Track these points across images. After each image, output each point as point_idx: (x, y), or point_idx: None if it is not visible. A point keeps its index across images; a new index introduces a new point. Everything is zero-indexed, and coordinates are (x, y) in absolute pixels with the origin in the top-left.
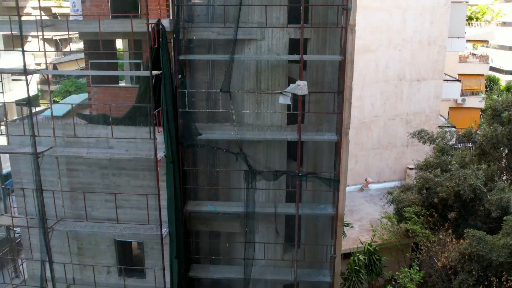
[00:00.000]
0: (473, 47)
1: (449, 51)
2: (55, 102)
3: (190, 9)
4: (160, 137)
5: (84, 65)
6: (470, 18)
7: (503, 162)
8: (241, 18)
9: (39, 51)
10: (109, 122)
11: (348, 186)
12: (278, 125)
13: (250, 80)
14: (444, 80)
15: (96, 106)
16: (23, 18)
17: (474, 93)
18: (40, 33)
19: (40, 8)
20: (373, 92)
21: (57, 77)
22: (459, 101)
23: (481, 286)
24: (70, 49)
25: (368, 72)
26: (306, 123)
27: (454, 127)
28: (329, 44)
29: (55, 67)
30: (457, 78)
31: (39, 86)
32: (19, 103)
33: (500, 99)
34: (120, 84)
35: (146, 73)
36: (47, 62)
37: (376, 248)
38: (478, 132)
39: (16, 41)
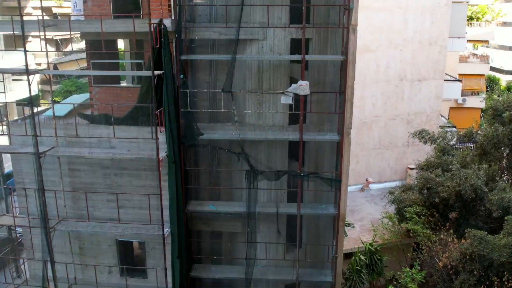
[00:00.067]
0: (474, 47)
1: (450, 51)
2: (56, 102)
3: (192, 9)
4: (162, 137)
5: (84, 65)
6: (470, 18)
7: (504, 162)
8: (243, 18)
9: (41, 51)
10: (111, 122)
11: (349, 186)
12: (280, 125)
13: (252, 80)
14: (445, 80)
15: (97, 106)
16: (24, 18)
17: (475, 93)
18: (41, 33)
19: (42, 8)
20: (374, 92)
21: (57, 77)
22: (460, 101)
23: (482, 286)
24: (72, 49)
25: (369, 72)
26: (308, 123)
27: (455, 127)
28: (331, 44)
29: (55, 67)
30: (457, 78)
31: (39, 86)
32: (20, 103)
33: (501, 99)
34: (121, 84)
35: (148, 73)
36: (48, 62)
37: (377, 248)
38: (479, 132)
39: (17, 41)
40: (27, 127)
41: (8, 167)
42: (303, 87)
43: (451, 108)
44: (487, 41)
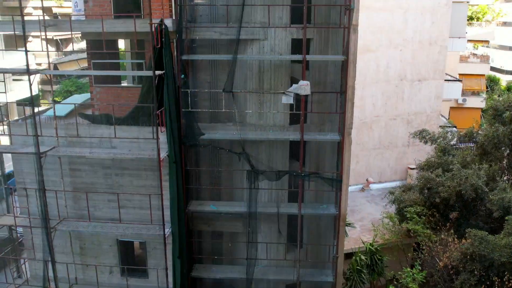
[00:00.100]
0: (474, 47)
1: (450, 51)
2: (56, 102)
3: (192, 9)
4: (163, 137)
5: (85, 65)
6: (470, 18)
7: (504, 162)
8: (244, 18)
9: (42, 51)
10: (112, 122)
11: (349, 186)
12: (280, 125)
13: (253, 80)
14: (445, 80)
15: (98, 106)
16: (25, 18)
17: (475, 93)
18: (42, 33)
19: (43, 8)
20: (374, 92)
21: (57, 77)
22: (460, 101)
23: (483, 286)
24: (73, 49)
25: (369, 72)
26: (309, 123)
27: (455, 127)
28: (332, 44)
29: (55, 67)
30: (458, 78)
31: (39, 86)
32: (21, 103)
33: (501, 99)
34: (122, 84)
35: (149, 73)
36: (49, 62)
37: (378, 248)
38: (480, 132)
39: (18, 41)
40: (28, 127)
41: (9, 167)
42: (304, 87)
43: (451, 108)
44: (487, 41)
